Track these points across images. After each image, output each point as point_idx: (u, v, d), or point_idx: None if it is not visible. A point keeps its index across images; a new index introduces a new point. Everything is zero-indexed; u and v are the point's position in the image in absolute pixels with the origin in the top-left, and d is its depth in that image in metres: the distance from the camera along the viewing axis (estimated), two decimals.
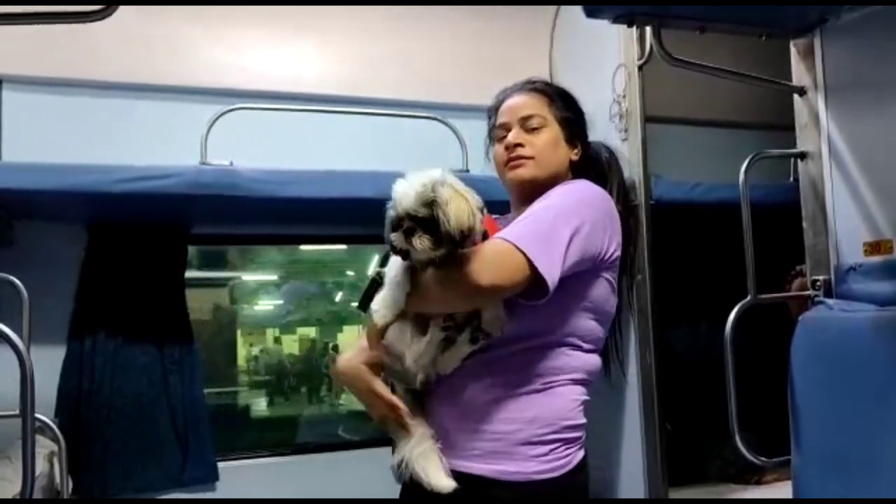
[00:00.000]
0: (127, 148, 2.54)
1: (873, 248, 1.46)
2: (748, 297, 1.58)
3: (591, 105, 1.55)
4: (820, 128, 1.59)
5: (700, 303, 2.85)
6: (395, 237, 1.19)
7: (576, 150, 1.47)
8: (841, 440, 1.40)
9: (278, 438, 4.50)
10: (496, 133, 1.48)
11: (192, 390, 2.64)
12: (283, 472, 2.79)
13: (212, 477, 2.63)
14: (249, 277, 4.83)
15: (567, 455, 1.28)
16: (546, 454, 1.26)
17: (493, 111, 1.51)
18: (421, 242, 1.16)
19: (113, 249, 2.57)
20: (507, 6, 3.03)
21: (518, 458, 1.25)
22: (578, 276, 1.29)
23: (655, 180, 2.41)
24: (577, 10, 1.46)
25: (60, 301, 2.52)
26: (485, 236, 1.24)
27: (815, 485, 1.46)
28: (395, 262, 1.27)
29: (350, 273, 4.82)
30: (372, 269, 1.35)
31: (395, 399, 1.31)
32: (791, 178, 2.26)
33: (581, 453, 1.32)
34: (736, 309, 1.56)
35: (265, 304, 5.22)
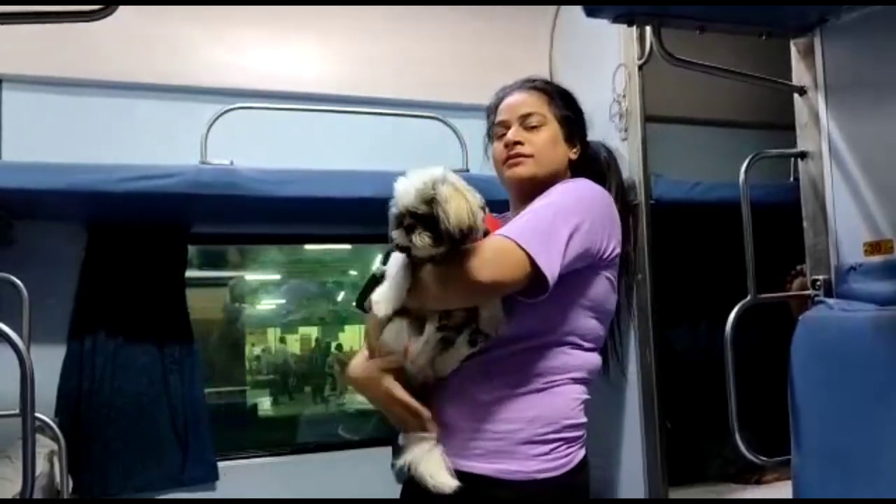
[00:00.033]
0: (127, 147, 2.54)
1: (873, 247, 1.45)
2: (748, 297, 1.57)
3: (591, 104, 1.56)
4: (820, 127, 1.59)
5: (700, 302, 2.85)
6: (397, 234, 1.19)
7: (575, 149, 1.47)
8: (841, 440, 1.40)
9: (286, 438, 4.50)
10: (495, 130, 1.47)
11: (193, 390, 2.64)
12: (282, 472, 2.79)
13: (212, 477, 2.63)
14: (254, 277, 4.83)
15: (568, 454, 1.28)
16: (547, 453, 1.26)
17: (492, 109, 1.51)
18: (421, 239, 1.16)
19: (113, 249, 2.57)
20: (507, 6, 3.03)
21: (519, 458, 1.25)
22: (578, 275, 1.29)
23: (655, 180, 2.41)
24: (577, 10, 1.46)
25: (60, 301, 2.52)
26: (486, 235, 1.24)
27: (815, 484, 1.46)
28: (397, 257, 1.27)
29: (353, 272, 4.82)
30: (375, 268, 1.34)
31: (419, 406, 1.29)
32: (791, 178, 2.26)
33: (582, 452, 1.32)
34: (736, 308, 1.56)
35: (267, 304, 5.21)
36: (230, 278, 4.62)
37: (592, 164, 1.50)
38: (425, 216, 1.16)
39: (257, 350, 5.34)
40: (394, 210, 1.20)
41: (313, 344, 5.47)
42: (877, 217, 1.46)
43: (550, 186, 1.37)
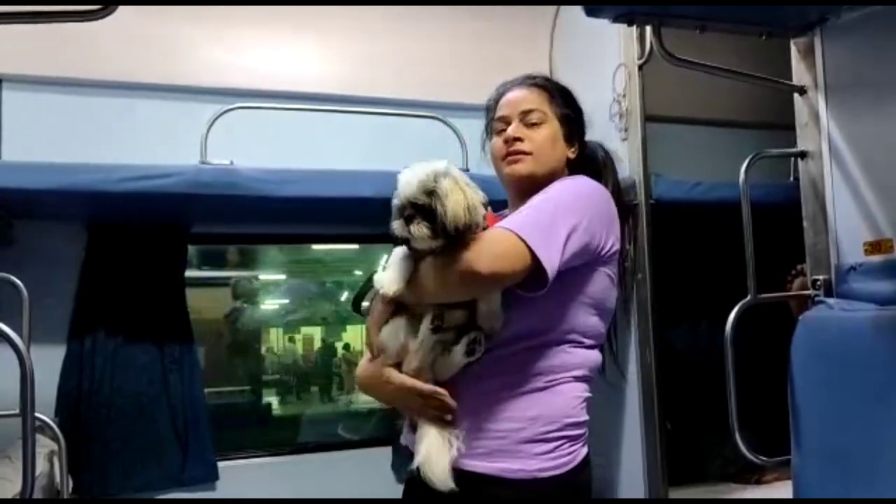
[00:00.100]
0: (127, 147, 2.54)
1: (874, 247, 1.45)
2: (748, 297, 1.58)
3: (591, 104, 1.55)
4: (820, 127, 1.59)
5: (700, 302, 2.85)
6: (397, 224, 1.20)
7: (573, 149, 1.47)
8: (841, 440, 1.40)
9: (299, 436, 4.51)
10: (495, 126, 1.47)
11: (192, 390, 2.65)
12: (282, 472, 2.79)
13: (212, 476, 2.63)
14: (268, 277, 4.83)
15: (571, 452, 1.28)
16: (550, 452, 1.26)
17: (492, 104, 1.51)
18: (419, 229, 1.17)
19: (113, 249, 2.58)
20: (507, 6, 3.03)
21: (522, 456, 1.25)
22: (577, 271, 1.29)
23: (655, 179, 2.41)
24: (577, 10, 1.46)
25: (60, 301, 2.52)
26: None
27: (815, 484, 1.46)
28: (397, 252, 1.28)
29: (358, 272, 4.82)
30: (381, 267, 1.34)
31: (431, 386, 1.27)
32: (791, 178, 2.26)
33: (584, 450, 1.32)
34: (736, 308, 1.56)
35: (274, 303, 5.21)
36: (255, 277, 4.62)
37: (590, 163, 1.50)
38: (425, 207, 1.17)
39: (271, 349, 5.33)
40: (395, 201, 1.21)
41: (319, 344, 5.47)
42: (877, 217, 1.46)
43: (548, 185, 1.37)
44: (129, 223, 2.58)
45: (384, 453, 2.82)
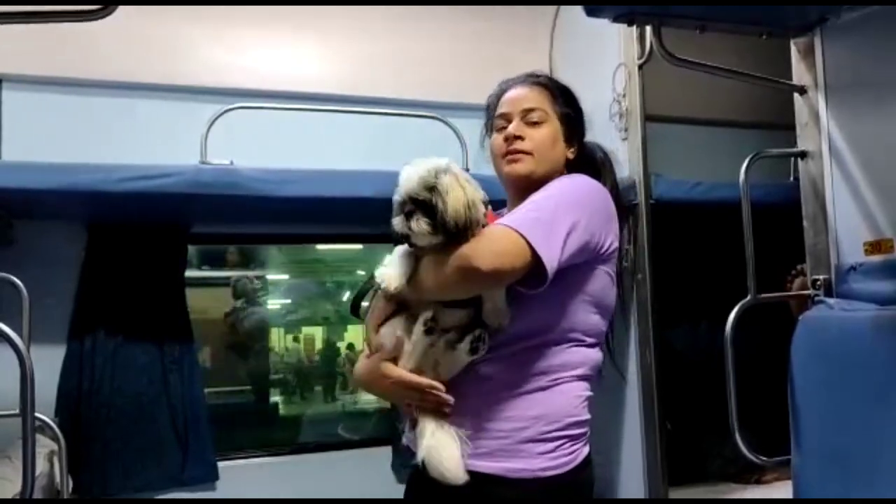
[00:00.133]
0: (127, 147, 2.54)
1: (874, 247, 1.45)
2: (748, 297, 1.58)
3: (591, 104, 1.55)
4: (820, 127, 1.59)
5: (700, 302, 2.85)
6: (397, 220, 1.20)
7: (572, 149, 1.47)
8: (841, 440, 1.40)
9: (300, 436, 4.52)
10: (496, 123, 1.47)
11: (192, 390, 2.65)
12: (282, 472, 2.79)
13: (212, 476, 2.63)
14: (276, 277, 4.84)
15: (573, 451, 1.28)
16: (552, 451, 1.26)
17: (493, 100, 1.50)
18: (418, 225, 1.17)
19: (113, 249, 2.58)
20: (507, 6, 3.03)
21: (524, 456, 1.25)
22: (577, 270, 1.29)
23: (656, 179, 2.42)
24: (578, 10, 1.46)
25: (60, 301, 2.52)
26: None
27: (815, 484, 1.46)
28: (398, 249, 1.28)
29: (360, 272, 4.82)
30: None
31: (428, 380, 1.26)
32: (791, 178, 2.26)
33: (586, 449, 1.32)
34: (736, 308, 1.56)
35: (272, 304, 5.21)
36: (260, 277, 4.63)
37: (588, 164, 1.50)
38: (425, 203, 1.17)
39: (273, 349, 5.33)
40: (396, 197, 1.21)
41: (320, 344, 5.47)
42: (877, 216, 1.46)
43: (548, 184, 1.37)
44: (129, 223, 2.58)
45: (384, 453, 2.82)
